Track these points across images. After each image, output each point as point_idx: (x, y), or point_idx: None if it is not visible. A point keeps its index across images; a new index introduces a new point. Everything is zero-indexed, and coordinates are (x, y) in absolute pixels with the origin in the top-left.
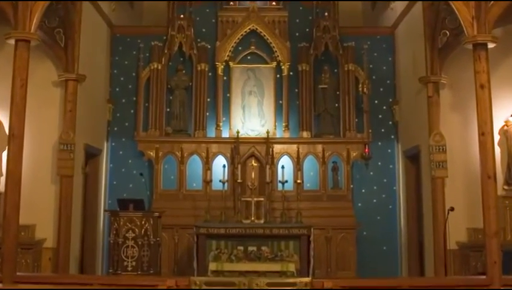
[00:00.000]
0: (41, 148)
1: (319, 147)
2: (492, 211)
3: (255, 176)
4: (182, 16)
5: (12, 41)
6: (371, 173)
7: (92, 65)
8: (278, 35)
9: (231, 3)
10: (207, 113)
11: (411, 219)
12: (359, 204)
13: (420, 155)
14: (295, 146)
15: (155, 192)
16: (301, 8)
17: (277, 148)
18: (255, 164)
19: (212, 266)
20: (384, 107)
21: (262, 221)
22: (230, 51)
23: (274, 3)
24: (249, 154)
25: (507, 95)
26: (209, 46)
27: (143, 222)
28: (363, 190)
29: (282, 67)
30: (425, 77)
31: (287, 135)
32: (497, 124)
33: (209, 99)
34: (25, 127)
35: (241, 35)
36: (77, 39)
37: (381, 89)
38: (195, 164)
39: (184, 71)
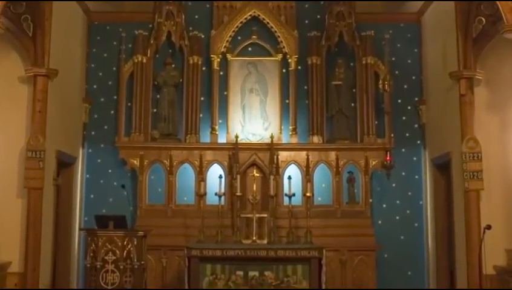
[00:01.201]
0: (5, 156)
1: (333, 155)
2: None
3: (256, 189)
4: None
5: None
6: (394, 185)
7: (65, 58)
8: (284, 22)
9: None
10: (201, 115)
11: (440, 239)
12: (380, 221)
13: (451, 164)
14: (303, 153)
15: (140, 207)
16: None
17: (283, 155)
18: (256, 175)
19: None
20: (409, 108)
21: (265, 241)
22: (227, 41)
23: None
24: (250, 163)
25: None
26: (203, 36)
27: (125, 243)
28: (384, 205)
29: (289, 60)
30: (456, 72)
31: (294, 140)
32: None
33: (202, 98)
34: None
35: (241, 22)
36: (47, 27)
37: (405, 86)
38: (186, 174)
39: (173, 65)
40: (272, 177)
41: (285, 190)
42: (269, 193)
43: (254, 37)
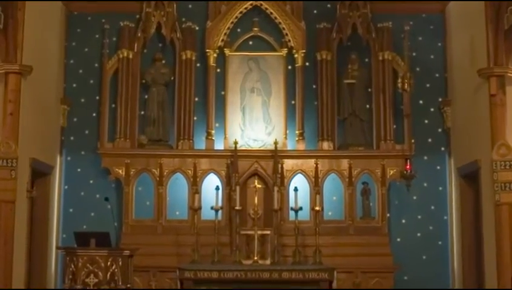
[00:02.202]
0: None
1: (345, 163)
2: None
3: (258, 202)
4: None
5: None
6: (415, 198)
7: (40, 53)
8: (290, 12)
9: None
10: (195, 118)
11: (467, 259)
12: (398, 239)
13: (479, 174)
14: (312, 161)
15: (126, 223)
16: None
17: (288, 164)
18: (258, 186)
19: None
20: (432, 109)
21: (268, 262)
22: (225, 34)
23: None
24: (251, 173)
25: None
26: (197, 28)
27: (108, 263)
28: (403, 220)
29: (296, 55)
30: (486, 69)
31: (301, 146)
32: None
33: (197, 99)
34: None
35: (240, 13)
36: (20, 19)
37: (428, 85)
38: (178, 185)
39: (163, 61)
40: (275, 188)
41: (291, 203)
42: (273, 206)
43: (255, 29)
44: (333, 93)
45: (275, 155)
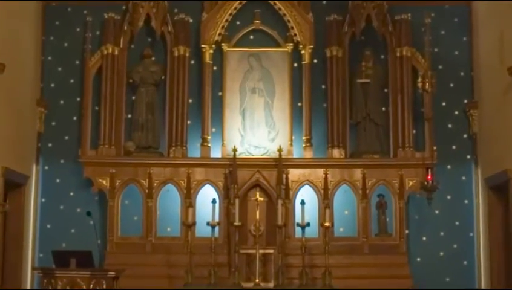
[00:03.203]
0: None
1: (358, 173)
2: None
3: (260, 217)
4: None
5: None
6: (437, 212)
7: (14, 49)
8: (296, 3)
9: None
10: (189, 122)
11: (496, 281)
12: (418, 259)
13: (510, 185)
14: (320, 171)
15: (110, 241)
16: None
17: (294, 174)
18: (260, 199)
19: None
20: (456, 113)
21: (271, 284)
22: (223, 27)
23: None
24: (252, 184)
25: None
26: (192, 20)
27: (91, 286)
28: (424, 238)
29: (302, 51)
30: None
31: (309, 154)
32: None
33: (191, 101)
34: None
35: (240, 3)
36: None
37: (451, 85)
38: (170, 198)
39: (153, 58)
40: (280, 202)
41: (297, 218)
42: (276, 222)
43: (257, 21)
44: (345, 95)
45: (279, 164)
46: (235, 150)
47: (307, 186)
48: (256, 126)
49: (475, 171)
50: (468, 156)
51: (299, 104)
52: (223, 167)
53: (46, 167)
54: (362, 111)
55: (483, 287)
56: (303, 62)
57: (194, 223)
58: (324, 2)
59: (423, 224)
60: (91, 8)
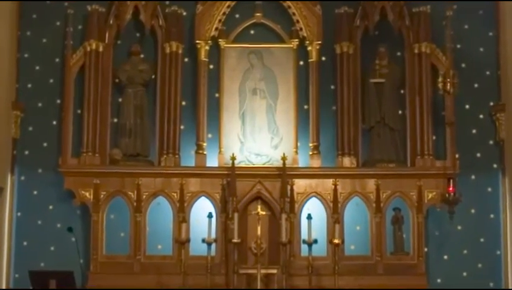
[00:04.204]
0: None
1: (371, 184)
2: None
3: (262, 233)
4: None
5: None
6: (460, 228)
7: None
8: None
9: None
10: (182, 127)
11: None
12: (439, 280)
13: None
14: (329, 182)
15: (94, 259)
16: None
17: (300, 185)
18: (262, 213)
19: None
20: (481, 116)
21: None
22: (220, 21)
23: None
24: (253, 196)
25: None
26: (185, 13)
27: None
28: (445, 256)
29: (309, 48)
30: None
31: (316, 162)
32: None
33: (184, 103)
34: None
35: None
36: None
37: (476, 85)
38: (161, 212)
39: (142, 55)
40: (284, 216)
41: (304, 234)
42: (280, 239)
43: (258, 14)
44: (356, 96)
45: (283, 174)
46: (233, 158)
47: (314, 198)
48: (257, 131)
49: (502, 181)
50: (495, 165)
51: (306, 106)
52: (220, 177)
53: (23, 177)
54: (376, 115)
55: None
56: (310, 60)
57: (188, 240)
58: None
59: (445, 241)
60: (72, 0)
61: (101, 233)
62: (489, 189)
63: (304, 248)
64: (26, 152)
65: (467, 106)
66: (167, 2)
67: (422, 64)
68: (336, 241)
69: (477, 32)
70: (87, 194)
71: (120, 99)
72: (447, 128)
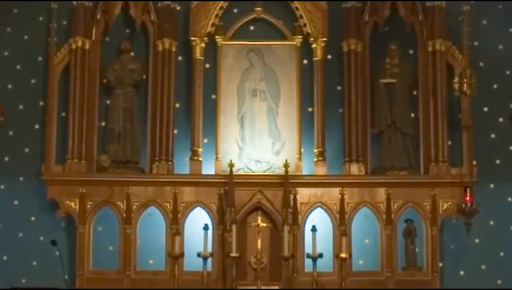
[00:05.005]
0: None
1: (381, 193)
2: None
3: (262, 246)
4: None
5: None
6: (477, 241)
7: None
8: None
9: None
10: (176, 131)
11: None
12: None
13: None
14: (336, 191)
15: (80, 275)
16: None
17: (304, 194)
18: (262, 224)
19: None
20: (500, 120)
21: None
22: (217, 16)
23: None
24: (252, 206)
25: None
26: (179, 8)
27: None
28: (461, 272)
29: (314, 45)
30: None
31: (321, 170)
32: None
33: (178, 105)
34: None
35: None
36: None
37: (495, 87)
38: (152, 223)
39: (132, 54)
40: (286, 228)
41: (308, 248)
42: (282, 252)
43: (258, 9)
44: (365, 98)
45: (286, 182)
46: (231, 165)
47: (319, 209)
48: (257, 136)
49: None
50: None
51: (310, 109)
52: (217, 185)
53: (2, 186)
54: (387, 118)
55: None
56: (314, 58)
57: (182, 255)
58: None
59: (461, 255)
60: None
61: (87, 246)
62: (510, 199)
63: (308, 262)
64: (6, 159)
65: (485, 109)
66: None
67: (436, 63)
68: (343, 255)
69: (496, 28)
70: (72, 204)
71: (108, 102)
72: (464, 132)
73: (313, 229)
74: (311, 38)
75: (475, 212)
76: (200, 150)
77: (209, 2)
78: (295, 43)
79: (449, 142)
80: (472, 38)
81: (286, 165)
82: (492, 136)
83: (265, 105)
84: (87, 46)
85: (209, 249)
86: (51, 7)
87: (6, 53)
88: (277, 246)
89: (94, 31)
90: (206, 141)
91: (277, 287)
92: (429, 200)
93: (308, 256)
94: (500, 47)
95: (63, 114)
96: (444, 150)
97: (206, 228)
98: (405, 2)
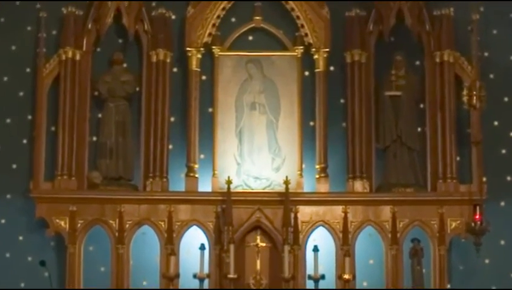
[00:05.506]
0: None
1: (386, 211)
2: None
3: (262, 267)
4: None
5: None
6: (487, 262)
7: None
8: None
9: None
10: (171, 146)
11: None
12: None
13: None
14: (339, 209)
15: None
16: None
17: (305, 212)
18: (262, 244)
19: None
20: None
21: None
22: (214, 25)
23: None
24: (251, 225)
25: None
26: (174, 17)
27: None
28: None
29: (315, 56)
30: None
31: (324, 187)
32: None
33: (173, 119)
34: None
35: None
36: None
37: (506, 99)
38: (146, 243)
39: (125, 65)
40: (286, 248)
41: (309, 269)
42: (282, 274)
43: (258, 18)
44: (369, 111)
45: (286, 200)
46: (229, 182)
47: (321, 228)
48: (256, 151)
49: None
50: None
51: (312, 123)
52: (214, 203)
53: None
54: (392, 132)
55: None
56: (316, 70)
57: (177, 276)
58: None
59: (470, 276)
60: (45, 1)
61: (78, 267)
62: None
63: (310, 284)
64: None
65: (496, 123)
66: (153, 4)
67: (444, 74)
68: (346, 276)
69: (507, 38)
70: (62, 223)
71: (99, 115)
72: (473, 148)
73: (315, 249)
74: (313, 49)
75: (485, 231)
76: (196, 166)
77: (206, 10)
78: (295, 53)
79: (458, 158)
80: (482, 48)
81: (287, 182)
82: (503, 151)
83: (265, 119)
84: (77, 57)
85: (206, 270)
86: (40, 16)
87: None
88: (277, 267)
89: (84, 41)
90: (202, 156)
91: None
92: (436, 219)
93: (310, 277)
94: None
95: (53, 128)
96: (452, 166)
97: (202, 247)
98: (411, 10)
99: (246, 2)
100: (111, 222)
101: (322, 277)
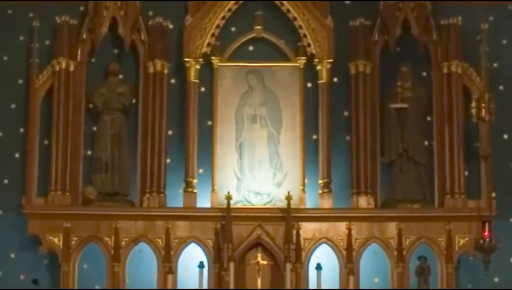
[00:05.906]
0: None
1: (392, 228)
2: None
3: (263, 286)
4: None
5: None
6: (496, 280)
7: None
8: (310, 3)
9: None
10: (168, 160)
11: None
12: None
13: None
14: (342, 226)
15: None
16: None
17: (308, 229)
18: (263, 262)
19: None
20: None
21: None
22: (213, 35)
23: None
24: (252, 243)
25: None
26: (172, 26)
27: None
28: None
29: (318, 67)
30: None
31: (327, 203)
32: None
33: (171, 132)
34: None
35: (236, 3)
36: None
37: None
38: (143, 261)
39: (121, 76)
40: (288, 266)
41: (312, 287)
42: None
43: (258, 28)
44: (374, 124)
45: (288, 216)
46: (229, 198)
47: (324, 245)
48: (257, 166)
49: None
50: None
51: (314, 136)
52: (213, 219)
53: None
54: (398, 146)
55: None
56: (319, 81)
57: None
58: (347, 1)
59: None
60: (38, 10)
61: (72, 286)
62: None
63: None
64: None
65: (505, 136)
66: (150, 13)
67: (452, 86)
68: None
69: None
70: (56, 240)
71: (94, 128)
72: (482, 162)
73: (318, 267)
74: (316, 60)
75: (495, 248)
76: (195, 181)
77: (205, 20)
78: (298, 64)
79: (466, 173)
80: (492, 59)
81: (288, 198)
82: None
83: (266, 132)
84: (72, 68)
85: (205, 288)
86: (33, 25)
87: None
88: (279, 285)
89: (79, 52)
90: (201, 171)
91: None
92: (444, 236)
93: None
94: None
95: (46, 142)
96: (460, 181)
97: (201, 265)
98: (417, 19)
99: (246, 11)
100: (106, 239)
101: None
